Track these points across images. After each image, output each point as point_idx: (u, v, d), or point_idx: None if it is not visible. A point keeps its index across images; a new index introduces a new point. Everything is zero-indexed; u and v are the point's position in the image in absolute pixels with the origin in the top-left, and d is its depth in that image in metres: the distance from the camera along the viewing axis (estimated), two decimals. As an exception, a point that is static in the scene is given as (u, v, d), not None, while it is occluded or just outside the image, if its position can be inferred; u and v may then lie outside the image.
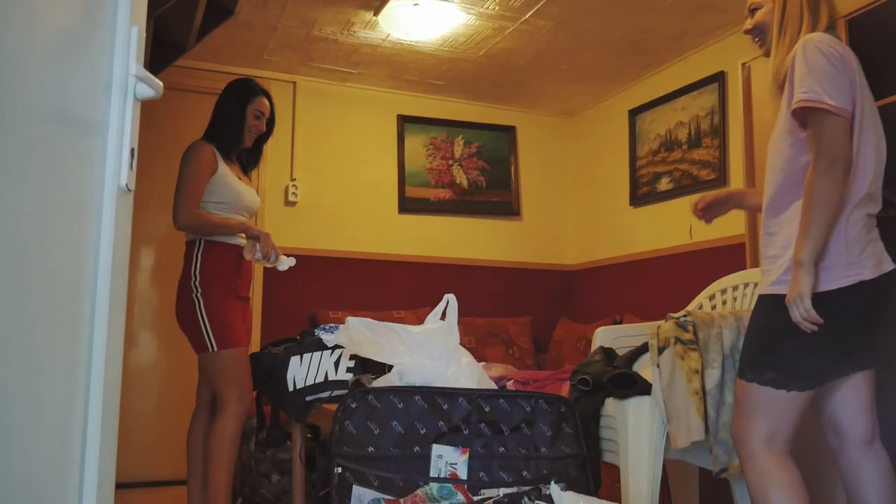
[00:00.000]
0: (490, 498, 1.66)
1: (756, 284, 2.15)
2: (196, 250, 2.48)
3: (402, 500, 1.64)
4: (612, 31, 3.56)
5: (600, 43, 3.70)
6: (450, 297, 2.31)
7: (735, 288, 2.33)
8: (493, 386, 2.15)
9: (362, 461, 1.81)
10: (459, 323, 2.24)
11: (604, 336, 2.32)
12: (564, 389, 2.22)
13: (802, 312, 1.58)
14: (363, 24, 3.53)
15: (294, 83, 4.22)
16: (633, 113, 4.24)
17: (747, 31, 1.89)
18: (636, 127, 4.23)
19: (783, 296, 1.63)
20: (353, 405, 1.89)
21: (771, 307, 1.67)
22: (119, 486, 3.55)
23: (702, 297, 2.41)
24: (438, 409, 1.95)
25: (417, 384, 1.99)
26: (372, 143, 4.39)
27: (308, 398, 2.47)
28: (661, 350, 1.93)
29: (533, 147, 4.81)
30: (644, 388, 1.96)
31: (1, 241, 0.77)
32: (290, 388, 2.46)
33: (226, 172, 2.57)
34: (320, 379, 2.47)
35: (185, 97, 3.93)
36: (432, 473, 1.85)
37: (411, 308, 4.21)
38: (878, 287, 1.64)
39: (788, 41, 1.74)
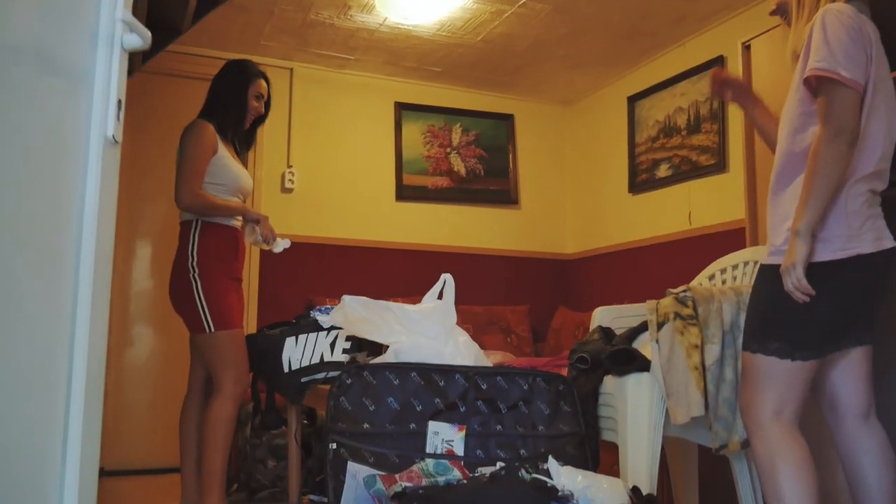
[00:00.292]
0: (488, 469, 1.64)
1: (756, 263, 2.12)
2: (193, 231, 2.45)
3: (397, 476, 1.61)
4: (610, 14, 3.53)
5: (599, 27, 3.67)
6: (447, 277, 2.29)
7: (735, 267, 2.31)
8: (490, 365, 2.12)
9: (357, 437, 1.79)
10: (457, 311, 2.22)
11: (603, 316, 2.30)
12: (563, 372, 2.20)
13: (794, 282, 1.57)
14: (360, 8, 3.50)
15: (291, 70, 4.19)
16: (632, 100, 4.22)
17: (773, 13, 1.88)
18: (635, 114, 4.20)
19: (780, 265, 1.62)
20: (349, 381, 1.87)
21: (771, 277, 1.66)
22: (113, 473, 3.55)
23: (702, 277, 2.39)
24: (435, 386, 1.92)
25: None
26: (369, 131, 4.36)
27: (303, 379, 2.44)
28: (660, 326, 1.90)
29: (531, 135, 4.78)
30: (643, 364, 1.94)
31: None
32: (286, 370, 2.44)
33: (225, 154, 2.54)
34: (316, 360, 2.45)
35: (180, 82, 3.90)
36: (428, 450, 1.83)
37: (408, 296, 4.17)
38: (876, 262, 1.62)
39: (808, 12, 1.73)
